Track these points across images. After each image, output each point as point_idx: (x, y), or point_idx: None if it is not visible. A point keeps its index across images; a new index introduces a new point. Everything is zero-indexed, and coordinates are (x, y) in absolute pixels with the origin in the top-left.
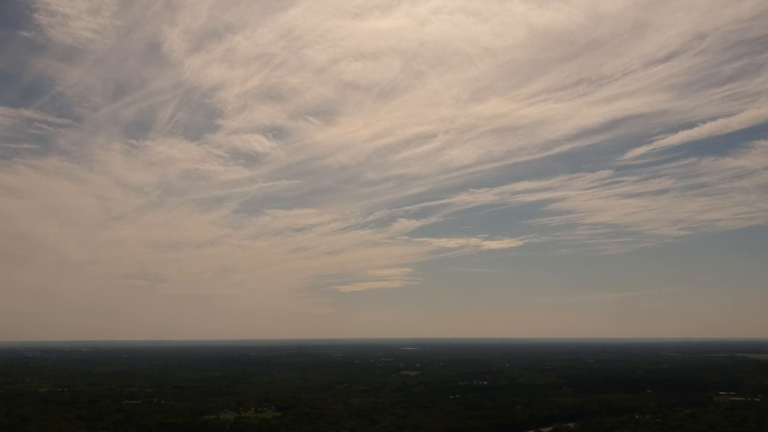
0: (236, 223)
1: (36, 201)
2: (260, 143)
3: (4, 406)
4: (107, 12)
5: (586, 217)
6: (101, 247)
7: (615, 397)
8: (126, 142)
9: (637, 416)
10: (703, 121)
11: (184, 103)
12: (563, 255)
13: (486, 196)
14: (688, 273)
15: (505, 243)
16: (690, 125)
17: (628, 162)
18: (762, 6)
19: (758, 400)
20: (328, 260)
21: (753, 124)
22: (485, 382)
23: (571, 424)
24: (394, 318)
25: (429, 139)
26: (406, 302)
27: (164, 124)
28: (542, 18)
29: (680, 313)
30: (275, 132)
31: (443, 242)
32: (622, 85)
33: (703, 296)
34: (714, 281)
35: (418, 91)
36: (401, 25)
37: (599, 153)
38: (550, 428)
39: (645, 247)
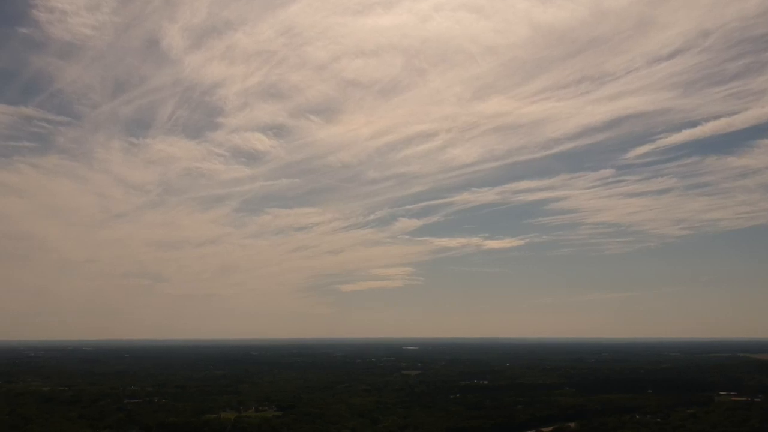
0: (237, 222)
1: (36, 200)
2: (261, 141)
3: (6, 405)
4: (106, 8)
5: (588, 216)
6: (101, 246)
7: (616, 397)
8: (126, 140)
9: (638, 416)
10: (707, 120)
11: (184, 100)
12: (565, 255)
13: (487, 195)
14: (690, 273)
15: (506, 242)
16: (693, 124)
17: (630, 161)
18: (766, 3)
19: (759, 400)
20: (329, 259)
21: (757, 123)
22: (486, 382)
23: (572, 424)
24: (395, 317)
25: (430, 137)
26: (407, 302)
27: (164, 122)
28: (545, 15)
29: (682, 313)
30: (276, 130)
31: (444, 241)
32: (624, 83)
33: (705, 296)
34: (716, 281)
35: (419, 89)
36: (403, 22)
37: (601, 152)
38: (551, 428)
39: (647, 247)
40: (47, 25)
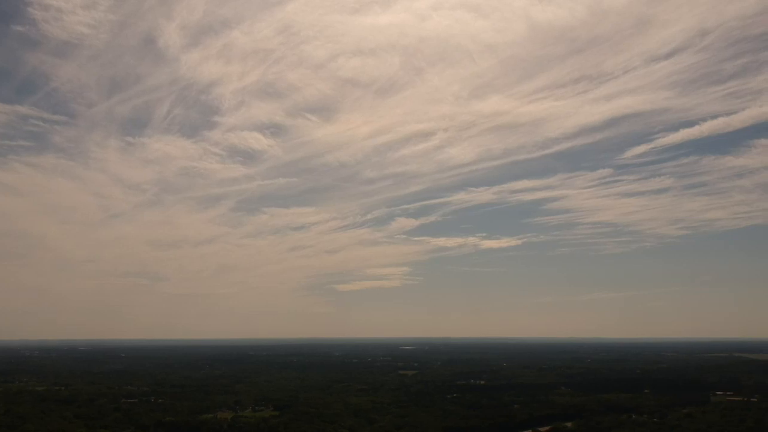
0: (234, 221)
1: (33, 199)
2: (258, 141)
3: (3, 404)
4: (102, 6)
5: (586, 216)
6: (100, 245)
7: (614, 397)
8: (122, 139)
9: (635, 416)
10: (704, 120)
11: (180, 99)
12: (562, 254)
13: (485, 195)
14: (688, 273)
15: (503, 242)
16: (691, 123)
17: (628, 160)
18: (765, 2)
19: (755, 399)
20: (327, 259)
21: (754, 123)
22: (483, 382)
23: (570, 424)
24: (393, 317)
25: (428, 136)
26: (405, 301)
27: (160, 121)
28: (544, 13)
29: (679, 312)
30: (273, 129)
31: (442, 241)
32: (623, 83)
33: (703, 296)
34: (713, 281)
35: (417, 88)
36: (401, 21)
37: (599, 151)
38: (548, 428)
39: (644, 247)
40: (43, 23)
